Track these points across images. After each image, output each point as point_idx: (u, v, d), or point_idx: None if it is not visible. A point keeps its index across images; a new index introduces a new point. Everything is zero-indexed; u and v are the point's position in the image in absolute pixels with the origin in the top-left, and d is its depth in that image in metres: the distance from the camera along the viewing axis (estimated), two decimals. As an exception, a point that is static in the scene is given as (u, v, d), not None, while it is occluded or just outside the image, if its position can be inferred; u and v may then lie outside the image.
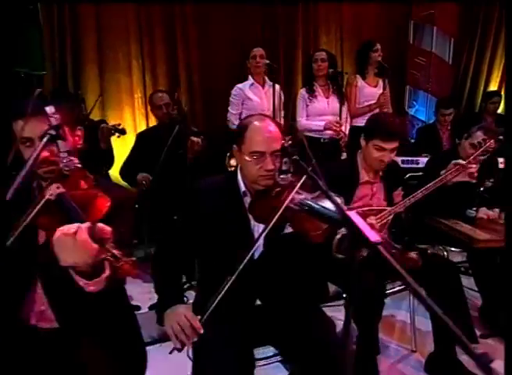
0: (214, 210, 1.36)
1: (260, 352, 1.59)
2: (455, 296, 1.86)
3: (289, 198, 1.18)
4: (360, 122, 3.20)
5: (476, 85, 4.69)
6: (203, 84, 3.84)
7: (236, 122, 3.04)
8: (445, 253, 2.48)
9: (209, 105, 3.85)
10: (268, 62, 2.87)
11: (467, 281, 2.50)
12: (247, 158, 1.31)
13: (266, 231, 1.20)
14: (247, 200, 1.37)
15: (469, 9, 4.43)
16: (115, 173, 3.43)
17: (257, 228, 1.35)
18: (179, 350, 1.20)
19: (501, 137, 2.03)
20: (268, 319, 1.38)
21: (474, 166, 1.87)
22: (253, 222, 1.35)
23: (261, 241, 1.33)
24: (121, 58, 3.57)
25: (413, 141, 4.04)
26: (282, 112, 3.14)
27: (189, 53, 3.78)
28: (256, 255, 1.35)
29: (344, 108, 2.98)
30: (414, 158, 3.24)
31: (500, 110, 4.45)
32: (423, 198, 1.87)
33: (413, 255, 1.03)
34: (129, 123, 3.70)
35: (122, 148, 3.30)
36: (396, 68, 4.38)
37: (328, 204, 1.19)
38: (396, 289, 2.14)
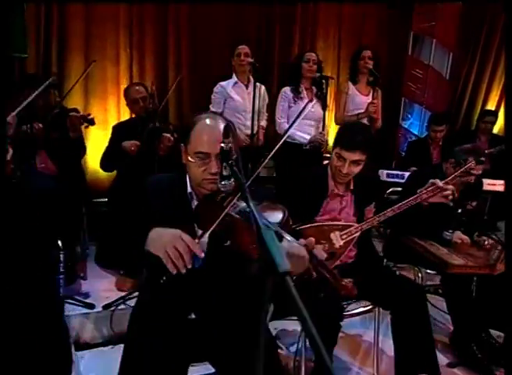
0: (161, 209, 1.27)
1: (203, 368, 1.49)
2: (419, 322, 1.75)
3: (231, 205, 1.08)
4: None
5: (474, 103, 4.59)
6: (192, 82, 3.74)
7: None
8: (419, 274, 2.37)
9: (197, 103, 3.74)
10: (251, 60, 2.75)
11: (444, 305, 2.40)
12: (190, 158, 1.21)
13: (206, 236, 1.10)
14: (194, 202, 1.28)
15: (471, 25, 4.33)
16: (94, 164, 3.35)
17: None
18: (171, 277, 1.04)
19: (483, 159, 1.92)
20: (204, 335, 1.27)
21: (450, 187, 1.76)
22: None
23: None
24: (108, 46, 3.47)
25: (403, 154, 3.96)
26: (266, 115, 3.04)
27: (179, 48, 3.68)
28: (196, 264, 1.25)
29: (326, 115, 2.87)
30: (400, 173, 3.14)
31: (496, 130, 4.36)
32: (395, 216, 1.78)
33: (347, 282, 0.92)
34: (113, 114, 3.60)
35: (105, 138, 3.21)
36: (393, 79, 4.30)
37: (272, 216, 1.09)
38: (365, 308, 2.02)
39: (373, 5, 4.22)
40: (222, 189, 1.11)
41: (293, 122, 1.21)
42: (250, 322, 1.32)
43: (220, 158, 1.05)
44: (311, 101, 2.56)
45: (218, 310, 1.25)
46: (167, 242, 1.02)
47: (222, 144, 1.03)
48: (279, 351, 2.22)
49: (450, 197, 1.70)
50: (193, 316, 1.28)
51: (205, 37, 3.73)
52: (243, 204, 1.09)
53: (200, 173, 1.21)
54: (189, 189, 1.29)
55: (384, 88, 3.47)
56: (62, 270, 1.54)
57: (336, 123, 3.15)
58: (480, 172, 2.25)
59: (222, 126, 1.23)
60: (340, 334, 2.40)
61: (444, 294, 2.28)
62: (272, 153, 1.17)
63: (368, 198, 1.88)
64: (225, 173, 1.08)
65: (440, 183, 1.75)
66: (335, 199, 1.84)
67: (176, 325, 1.26)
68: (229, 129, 1.00)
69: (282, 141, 1.23)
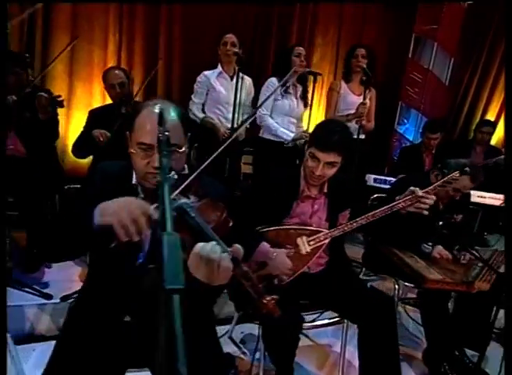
0: (107, 198, 1.16)
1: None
2: (386, 339, 1.63)
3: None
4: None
5: (473, 112, 4.45)
6: (182, 71, 3.61)
7: (198, 112, 2.81)
8: (396, 286, 2.26)
9: (187, 92, 3.62)
10: (237, 50, 2.62)
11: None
12: (132, 149, 1.11)
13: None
14: (141, 196, 1.17)
15: (476, 31, 4.18)
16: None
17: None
18: (122, 245, 0.94)
19: (467, 169, 1.80)
20: (142, 339, 1.17)
21: (430, 197, 1.63)
22: None
23: (146, 245, 1.14)
24: (97, 30, 3.34)
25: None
26: (250, 109, 2.90)
27: (171, 35, 3.56)
28: (138, 259, 1.16)
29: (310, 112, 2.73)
30: (388, 178, 3.02)
31: (494, 142, 4.24)
32: (370, 224, 1.67)
33: (269, 301, 0.80)
34: (98, 99, 3.48)
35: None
36: (391, 81, 4.17)
37: (207, 215, 0.99)
38: (333, 320, 1.91)
39: (375, 5, 4.08)
40: None
41: (264, 100, 1.10)
42: (187, 326, 1.21)
43: (158, 149, 0.93)
44: (295, 98, 2.42)
45: (153, 313, 1.15)
46: (120, 207, 0.93)
47: (159, 134, 0.92)
48: (242, 356, 2.12)
49: (426, 207, 1.58)
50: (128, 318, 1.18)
51: (199, 28, 3.59)
52: (183, 200, 0.98)
53: (143, 166, 1.10)
54: (134, 181, 1.19)
55: (381, 91, 3.34)
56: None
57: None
58: (467, 190, 2.13)
59: (172, 116, 1.12)
60: (310, 343, 2.32)
61: (420, 307, 2.16)
62: (224, 146, 1.05)
63: (343, 203, 1.76)
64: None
65: (420, 191, 1.64)
66: (306, 202, 1.71)
67: (112, 326, 1.16)
68: (164, 115, 0.88)
69: (243, 127, 1.11)
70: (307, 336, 2.33)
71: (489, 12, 4.13)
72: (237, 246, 0.86)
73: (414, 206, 1.58)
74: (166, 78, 3.64)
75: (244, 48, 3.69)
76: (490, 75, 4.33)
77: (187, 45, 3.62)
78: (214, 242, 0.84)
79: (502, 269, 2.22)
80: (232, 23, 3.65)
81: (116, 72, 2.55)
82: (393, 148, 4.15)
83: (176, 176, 1.02)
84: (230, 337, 2.22)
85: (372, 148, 4.16)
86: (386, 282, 2.73)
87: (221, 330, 2.21)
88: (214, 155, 1.05)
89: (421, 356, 2.25)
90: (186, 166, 1.25)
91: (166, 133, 0.92)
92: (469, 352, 2.16)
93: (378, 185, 3.00)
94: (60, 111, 3.26)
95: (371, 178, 3.07)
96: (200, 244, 0.85)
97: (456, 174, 1.81)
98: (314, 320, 1.88)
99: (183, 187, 0.97)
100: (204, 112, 2.84)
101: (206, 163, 1.05)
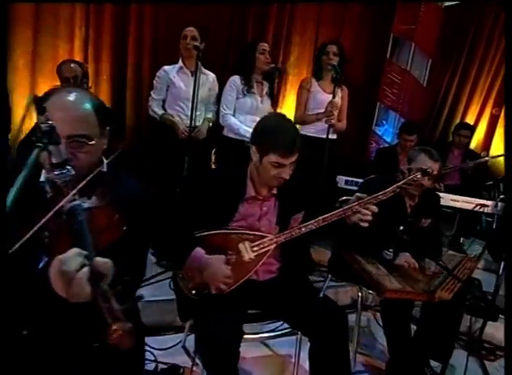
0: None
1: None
2: (337, 351, 1.52)
3: (63, 201, 0.86)
4: (306, 130, 2.89)
5: (453, 114, 4.37)
6: (152, 67, 3.49)
7: (158, 109, 2.69)
8: (359, 294, 2.15)
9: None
10: (197, 44, 2.49)
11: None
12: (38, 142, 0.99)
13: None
14: (49, 193, 1.06)
15: (455, 34, 4.11)
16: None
17: None
18: None
19: (429, 170, 1.70)
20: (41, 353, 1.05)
21: (371, 208, 1.48)
22: None
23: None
24: (62, 23, 3.20)
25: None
26: (214, 107, 2.79)
27: (141, 30, 3.42)
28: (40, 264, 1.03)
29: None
30: (360, 180, 2.90)
31: (473, 146, 4.18)
32: (324, 229, 1.55)
33: (115, 330, 0.65)
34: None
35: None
36: (369, 82, 4.08)
37: (95, 220, 0.87)
38: (286, 331, 1.79)
39: (354, 4, 4.00)
40: (57, 180, 0.89)
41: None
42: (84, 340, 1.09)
43: (35, 139, 0.81)
44: (261, 96, 2.32)
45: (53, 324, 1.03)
46: None
47: (40, 123, 0.80)
48: (194, 368, 1.99)
49: (367, 218, 1.46)
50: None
51: (170, 27, 3.44)
52: (78, 201, 0.86)
53: (46, 160, 0.98)
54: (42, 177, 1.07)
55: (360, 91, 3.25)
56: None
57: (295, 123, 2.92)
58: (429, 183, 2.01)
59: (77, 102, 1.01)
60: (269, 353, 2.20)
61: (381, 317, 2.05)
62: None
63: (295, 205, 1.63)
64: (54, 161, 0.86)
65: (365, 196, 1.52)
66: (254, 203, 1.59)
67: (9, 341, 1.04)
68: (43, 103, 0.77)
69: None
70: (267, 345, 2.22)
71: (469, 13, 4.06)
72: (102, 260, 0.74)
73: (357, 218, 1.47)
74: (136, 74, 3.51)
75: (219, 48, 3.62)
76: (469, 77, 4.26)
77: (157, 45, 3.49)
78: (75, 252, 0.73)
79: (473, 275, 2.13)
80: (206, 23, 3.53)
81: (72, 65, 2.44)
82: (371, 150, 4.06)
83: (72, 172, 0.91)
84: (183, 347, 2.09)
85: (350, 149, 4.08)
86: (355, 287, 2.63)
87: (174, 339, 2.09)
88: (116, 154, 0.93)
89: (383, 366, 2.16)
90: (105, 162, 1.13)
91: (49, 123, 0.81)
92: (434, 363, 2.07)
93: (349, 187, 2.90)
94: (22, 107, 3.16)
95: (342, 180, 2.96)
96: (61, 255, 0.73)
97: (417, 175, 1.71)
98: (273, 330, 1.78)
99: (80, 187, 0.86)
100: (164, 108, 2.72)
101: (109, 160, 0.93)
